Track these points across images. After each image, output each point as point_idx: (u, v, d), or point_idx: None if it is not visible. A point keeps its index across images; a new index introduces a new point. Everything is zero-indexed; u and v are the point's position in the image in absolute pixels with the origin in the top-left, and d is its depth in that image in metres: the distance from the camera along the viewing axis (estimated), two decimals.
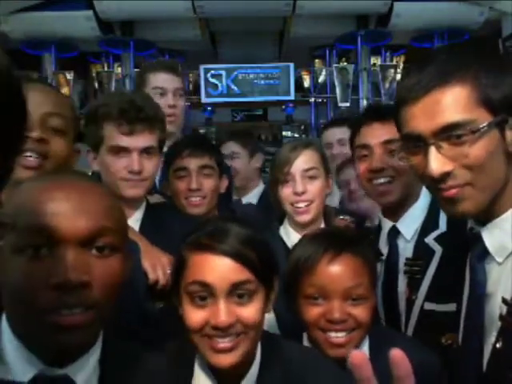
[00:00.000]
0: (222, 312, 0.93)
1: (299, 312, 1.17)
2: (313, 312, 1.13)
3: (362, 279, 1.14)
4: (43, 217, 0.73)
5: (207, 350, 0.95)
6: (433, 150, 0.93)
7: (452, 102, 0.91)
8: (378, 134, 1.47)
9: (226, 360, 0.94)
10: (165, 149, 1.70)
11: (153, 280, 1.31)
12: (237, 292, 0.95)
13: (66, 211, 0.75)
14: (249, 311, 0.95)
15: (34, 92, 1.21)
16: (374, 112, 1.54)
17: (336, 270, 1.13)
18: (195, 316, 0.95)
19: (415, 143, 0.96)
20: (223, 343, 0.94)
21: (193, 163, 1.78)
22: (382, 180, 1.46)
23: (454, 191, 0.93)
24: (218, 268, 0.95)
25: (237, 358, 0.95)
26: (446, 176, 0.93)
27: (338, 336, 1.12)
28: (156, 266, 1.34)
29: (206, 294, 0.95)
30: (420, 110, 0.94)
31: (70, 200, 0.76)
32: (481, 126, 0.89)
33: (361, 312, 1.13)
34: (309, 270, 1.14)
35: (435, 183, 0.95)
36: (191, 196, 1.78)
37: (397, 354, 0.59)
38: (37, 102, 1.20)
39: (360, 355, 0.59)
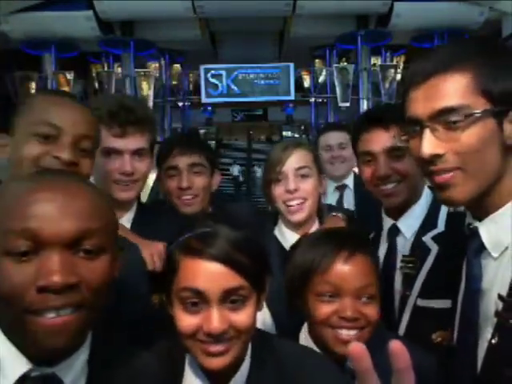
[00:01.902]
0: (215, 319, 0.90)
1: (307, 309, 1.18)
2: (324, 309, 1.15)
3: (373, 279, 1.17)
4: (28, 219, 0.72)
5: (199, 354, 0.94)
6: (427, 132, 0.95)
7: (451, 88, 0.94)
8: (380, 141, 1.44)
9: (218, 363, 0.93)
10: None
11: (152, 268, 1.33)
12: (230, 298, 0.93)
13: (52, 213, 0.74)
14: (242, 317, 0.93)
15: (69, 110, 1.20)
16: (374, 117, 1.51)
17: (350, 270, 1.15)
18: (187, 322, 0.93)
19: (414, 127, 0.98)
20: (215, 347, 0.92)
21: (182, 161, 1.77)
22: (388, 186, 1.47)
23: (445, 176, 0.95)
24: (210, 274, 0.92)
25: (229, 361, 0.94)
26: (436, 158, 0.94)
27: (349, 334, 1.14)
28: (153, 254, 1.36)
29: (198, 300, 0.92)
30: (420, 95, 0.97)
31: (55, 201, 0.75)
32: (475, 112, 0.91)
33: (371, 311, 1.15)
34: (323, 268, 1.16)
35: (426, 165, 0.97)
36: (183, 195, 1.78)
37: (396, 346, 0.59)
38: (71, 122, 1.19)
39: (359, 347, 0.59)
